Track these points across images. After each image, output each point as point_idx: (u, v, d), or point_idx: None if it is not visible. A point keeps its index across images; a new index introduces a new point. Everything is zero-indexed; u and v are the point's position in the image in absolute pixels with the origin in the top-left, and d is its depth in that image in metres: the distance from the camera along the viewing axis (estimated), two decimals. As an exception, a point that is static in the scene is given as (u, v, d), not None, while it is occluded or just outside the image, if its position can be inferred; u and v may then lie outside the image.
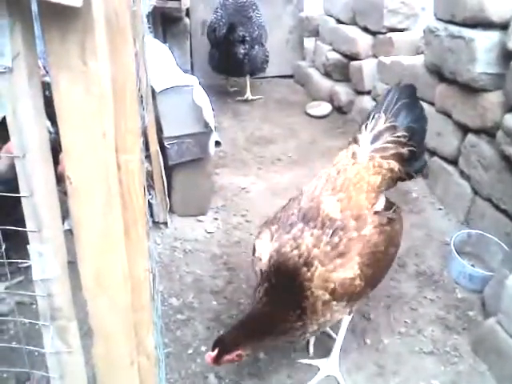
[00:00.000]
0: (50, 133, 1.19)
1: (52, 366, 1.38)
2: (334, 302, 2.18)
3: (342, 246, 2.19)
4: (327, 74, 6.27)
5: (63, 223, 1.30)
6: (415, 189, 4.13)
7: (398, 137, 2.55)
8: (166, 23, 6.47)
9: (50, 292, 1.25)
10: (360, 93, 5.67)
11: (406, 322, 2.88)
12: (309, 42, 7.15)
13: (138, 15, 2.75)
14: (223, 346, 2.14)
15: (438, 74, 3.94)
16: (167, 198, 3.67)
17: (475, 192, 3.57)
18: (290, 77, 7.30)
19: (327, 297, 2.15)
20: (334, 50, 6.12)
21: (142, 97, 2.25)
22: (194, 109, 3.49)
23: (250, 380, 2.52)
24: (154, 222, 3.60)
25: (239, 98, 6.49)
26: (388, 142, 2.54)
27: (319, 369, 2.57)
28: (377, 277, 2.40)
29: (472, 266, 3.16)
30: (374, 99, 5.38)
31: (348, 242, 2.20)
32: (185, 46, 6.79)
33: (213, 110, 3.76)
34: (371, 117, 2.63)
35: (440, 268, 3.30)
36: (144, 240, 1.40)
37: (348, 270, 2.17)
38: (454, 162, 3.85)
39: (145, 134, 3.10)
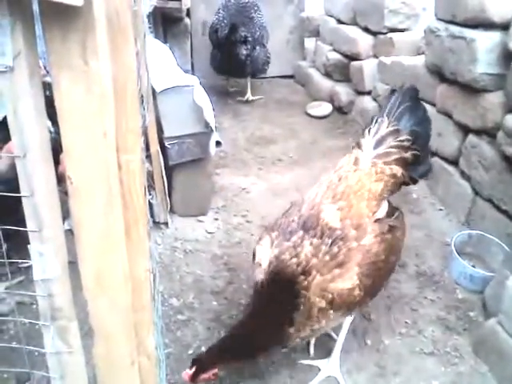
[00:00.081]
0: (50, 132, 1.19)
1: (52, 366, 1.38)
2: (331, 311, 2.16)
3: (341, 255, 2.16)
4: (328, 75, 6.26)
5: (63, 223, 1.29)
6: (415, 189, 4.13)
7: (402, 141, 2.51)
8: (166, 23, 6.47)
9: (51, 292, 1.25)
10: (360, 93, 5.67)
11: (406, 322, 2.88)
12: (309, 42, 7.15)
13: (138, 15, 2.75)
14: (200, 364, 2.20)
15: (438, 74, 3.94)
16: (168, 198, 3.67)
17: (476, 192, 3.57)
18: (291, 77, 7.30)
19: (324, 305, 2.13)
20: (334, 50, 6.12)
21: (142, 96, 2.25)
22: (194, 109, 3.49)
23: (251, 380, 2.52)
24: (154, 222, 3.59)
25: (240, 99, 6.49)
26: (391, 147, 2.50)
27: (320, 369, 2.57)
28: (376, 286, 2.37)
29: (473, 266, 3.15)
30: (375, 99, 5.38)
31: (347, 252, 2.17)
32: (185, 46, 6.79)
33: (213, 110, 3.76)
34: (374, 121, 2.59)
35: (440, 268, 3.30)
36: (145, 240, 1.40)
37: (347, 281, 2.14)
38: (454, 163, 3.85)
39: (145, 134, 3.10)
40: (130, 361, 1.40)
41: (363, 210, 2.31)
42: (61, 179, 1.22)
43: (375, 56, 5.48)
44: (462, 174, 3.72)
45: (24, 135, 1.08)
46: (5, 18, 0.96)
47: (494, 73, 3.29)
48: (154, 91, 3.42)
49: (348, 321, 2.52)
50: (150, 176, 3.46)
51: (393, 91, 2.76)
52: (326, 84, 6.24)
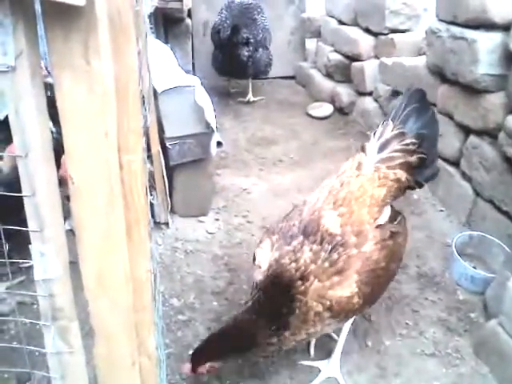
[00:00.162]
0: (51, 133, 1.19)
1: (53, 367, 1.38)
2: (328, 316, 2.15)
3: (340, 263, 2.14)
4: (329, 75, 6.26)
5: (64, 223, 1.29)
6: (416, 190, 4.11)
7: (407, 144, 2.46)
8: (167, 24, 6.48)
9: (52, 292, 1.25)
10: (362, 94, 5.67)
11: (407, 323, 2.88)
12: (310, 43, 7.15)
13: (140, 15, 2.75)
14: (196, 358, 2.21)
15: (439, 75, 3.94)
16: (168, 199, 3.67)
17: (477, 193, 3.57)
18: (292, 78, 7.30)
19: (321, 310, 2.12)
20: (335, 50, 6.12)
21: (143, 97, 2.25)
22: (195, 109, 3.49)
23: (251, 381, 2.52)
24: (155, 222, 3.59)
25: (241, 99, 6.48)
26: (395, 151, 2.46)
27: (320, 370, 2.57)
28: (376, 293, 2.35)
29: (473, 267, 3.15)
30: (376, 100, 5.38)
31: (347, 259, 2.15)
32: (186, 46, 6.79)
33: (214, 110, 3.76)
34: (380, 124, 2.56)
35: (441, 270, 3.30)
36: (146, 240, 1.40)
37: (345, 289, 2.13)
38: (455, 164, 3.84)
39: (147, 135, 3.10)
40: (131, 361, 1.39)
41: (364, 216, 2.29)
42: (62, 182, 1.22)
43: (376, 57, 5.47)
44: (463, 174, 3.72)
45: (26, 135, 1.08)
46: (7, 17, 0.96)
47: (496, 73, 3.28)
48: (155, 91, 3.42)
49: (348, 322, 2.51)
50: (151, 176, 3.47)
51: (394, 92, 2.73)
52: (327, 85, 6.24)
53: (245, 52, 5.89)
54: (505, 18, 3.22)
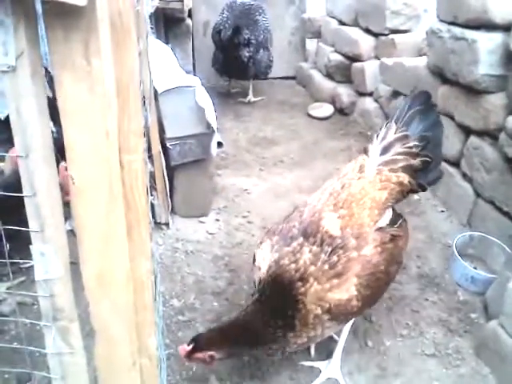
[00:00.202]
0: (52, 133, 1.19)
1: (53, 367, 1.37)
2: (327, 318, 2.14)
3: (340, 265, 2.14)
4: (329, 76, 6.26)
5: (65, 223, 1.29)
6: (417, 191, 4.12)
7: (410, 147, 2.45)
8: (168, 24, 6.47)
9: (52, 292, 1.25)
10: (362, 94, 5.67)
11: (407, 324, 2.87)
12: (311, 44, 7.16)
13: (141, 15, 2.75)
14: (198, 343, 2.13)
15: (440, 75, 3.94)
16: (169, 199, 3.67)
17: (477, 194, 3.57)
18: (292, 78, 7.30)
19: (320, 312, 2.12)
20: (336, 51, 6.13)
21: (144, 97, 2.25)
22: (196, 110, 3.49)
23: (252, 382, 2.52)
24: (155, 222, 3.59)
25: (241, 100, 6.49)
26: (398, 154, 2.44)
27: (321, 371, 2.57)
28: (375, 296, 2.34)
29: (474, 268, 3.15)
30: (376, 101, 5.38)
31: (347, 262, 2.15)
32: (187, 46, 6.79)
33: (215, 111, 3.76)
34: (383, 126, 2.55)
35: (442, 270, 3.29)
36: (146, 241, 1.40)
37: (344, 292, 2.12)
38: (456, 164, 3.84)
39: (147, 135, 3.10)
40: (132, 361, 1.39)
41: (365, 219, 2.28)
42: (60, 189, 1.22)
43: (377, 57, 5.47)
44: (464, 175, 3.72)
45: (26, 135, 1.08)
46: (8, 17, 0.96)
47: (496, 74, 3.28)
48: (155, 92, 3.42)
49: (349, 323, 2.51)
50: (152, 177, 3.47)
51: (395, 93, 2.72)
52: (327, 85, 6.24)
53: (245, 53, 5.89)
54: (505, 19, 3.22)
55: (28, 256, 1.22)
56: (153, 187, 3.52)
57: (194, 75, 4.48)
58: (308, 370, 2.59)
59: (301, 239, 2.23)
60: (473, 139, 3.59)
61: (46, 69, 2.59)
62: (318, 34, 6.83)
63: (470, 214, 3.64)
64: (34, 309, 2.70)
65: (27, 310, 2.69)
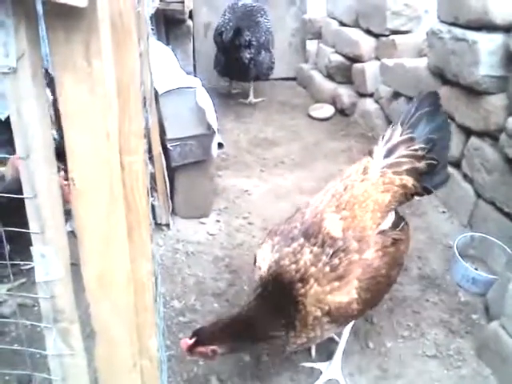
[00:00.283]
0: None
1: (54, 369, 1.37)
2: (326, 321, 2.14)
3: (341, 268, 2.13)
4: (330, 77, 6.26)
5: (66, 225, 1.29)
6: (418, 191, 4.12)
7: (415, 150, 2.43)
8: (168, 25, 6.47)
9: (53, 294, 1.25)
10: (363, 95, 5.67)
11: (408, 325, 2.87)
12: (311, 45, 7.16)
13: (141, 16, 2.75)
14: (201, 337, 2.11)
15: (440, 76, 3.94)
16: (170, 200, 3.67)
17: (478, 195, 3.56)
18: (293, 79, 7.30)
19: (320, 314, 2.11)
20: (336, 52, 6.13)
21: (145, 98, 2.25)
22: (196, 111, 3.49)
23: (253, 382, 2.51)
24: (156, 223, 3.59)
25: (242, 101, 6.49)
26: (402, 157, 2.42)
27: (321, 372, 2.56)
28: (376, 299, 2.33)
29: (475, 269, 3.14)
30: (377, 101, 5.38)
31: (348, 265, 2.14)
32: (188, 48, 6.78)
33: (215, 112, 3.76)
34: (389, 128, 2.53)
35: (443, 271, 3.29)
36: (147, 242, 1.39)
37: (345, 295, 2.12)
38: (457, 165, 3.84)
39: (148, 136, 3.10)
40: (132, 363, 1.39)
41: (367, 221, 2.27)
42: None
43: (377, 58, 5.47)
44: (465, 176, 3.72)
45: (27, 136, 1.08)
46: (9, 18, 0.96)
47: (497, 75, 3.28)
48: (156, 93, 3.42)
49: (350, 324, 2.51)
50: (153, 178, 3.47)
51: (395, 94, 2.71)
52: (328, 86, 6.24)
53: (247, 54, 5.89)
54: (506, 20, 3.22)
55: (29, 257, 1.22)
56: (153, 188, 3.52)
57: (195, 76, 4.48)
58: (309, 371, 2.59)
59: (301, 240, 2.23)
60: (473, 140, 3.59)
61: (47, 70, 2.59)
62: (318, 35, 6.84)
63: (471, 214, 3.64)
64: (34, 310, 2.70)
65: (28, 312, 2.69)
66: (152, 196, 3.48)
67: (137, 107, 1.27)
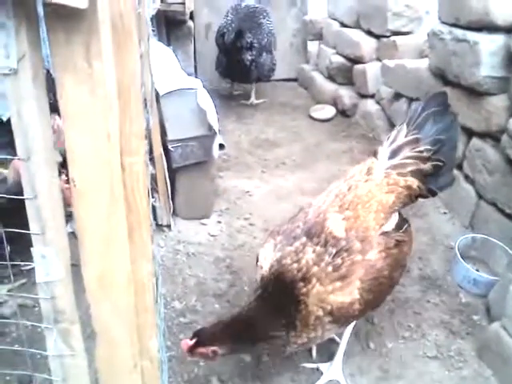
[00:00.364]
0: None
1: (55, 369, 1.37)
2: (328, 321, 2.13)
3: (343, 268, 2.12)
4: (331, 78, 6.27)
5: (66, 226, 1.29)
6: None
7: (420, 151, 2.40)
8: (169, 26, 6.48)
9: (54, 294, 1.25)
10: (364, 96, 5.68)
11: (409, 326, 2.87)
12: (312, 46, 7.17)
13: (142, 17, 2.75)
14: (201, 338, 2.11)
15: (442, 77, 3.93)
16: (171, 201, 3.67)
17: (480, 196, 3.56)
18: (294, 80, 7.31)
19: (322, 314, 2.11)
20: (337, 53, 6.13)
21: (145, 99, 2.25)
22: (198, 112, 3.49)
23: (253, 383, 2.51)
24: (157, 224, 3.59)
25: (243, 102, 6.49)
26: (407, 158, 2.40)
27: (322, 373, 2.56)
28: (378, 300, 2.33)
29: (476, 270, 3.14)
30: (378, 102, 5.38)
31: (351, 265, 2.13)
32: (189, 49, 6.79)
33: (217, 113, 3.76)
34: (395, 128, 2.51)
35: (444, 272, 3.29)
36: (148, 243, 1.39)
37: (347, 295, 2.11)
38: (458, 166, 3.83)
39: (149, 137, 3.10)
40: (133, 364, 1.39)
41: (370, 222, 2.26)
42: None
43: (378, 59, 5.48)
44: (466, 177, 3.71)
45: (28, 137, 1.08)
46: (9, 19, 0.96)
47: (498, 76, 3.28)
48: (157, 94, 3.42)
49: (350, 325, 2.51)
50: (153, 179, 3.47)
51: (397, 95, 2.70)
52: (329, 87, 6.24)
53: (248, 56, 5.89)
54: (507, 21, 3.22)
55: (29, 258, 1.22)
56: (154, 189, 3.52)
57: (196, 77, 4.49)
58: (310, 371, 2.59)
59: (304, 239, 2.23)
60: (475, 141, 3.59)
61: (48, 71, 2.59)
62: (319, 36, 6.84)
63: (473, 215, 3.63)
64: (35, 311, 2.71)
65: (28, 312, 2.69)
66: (153, 197, 3.48)
67: (138, 108, 1.27)
